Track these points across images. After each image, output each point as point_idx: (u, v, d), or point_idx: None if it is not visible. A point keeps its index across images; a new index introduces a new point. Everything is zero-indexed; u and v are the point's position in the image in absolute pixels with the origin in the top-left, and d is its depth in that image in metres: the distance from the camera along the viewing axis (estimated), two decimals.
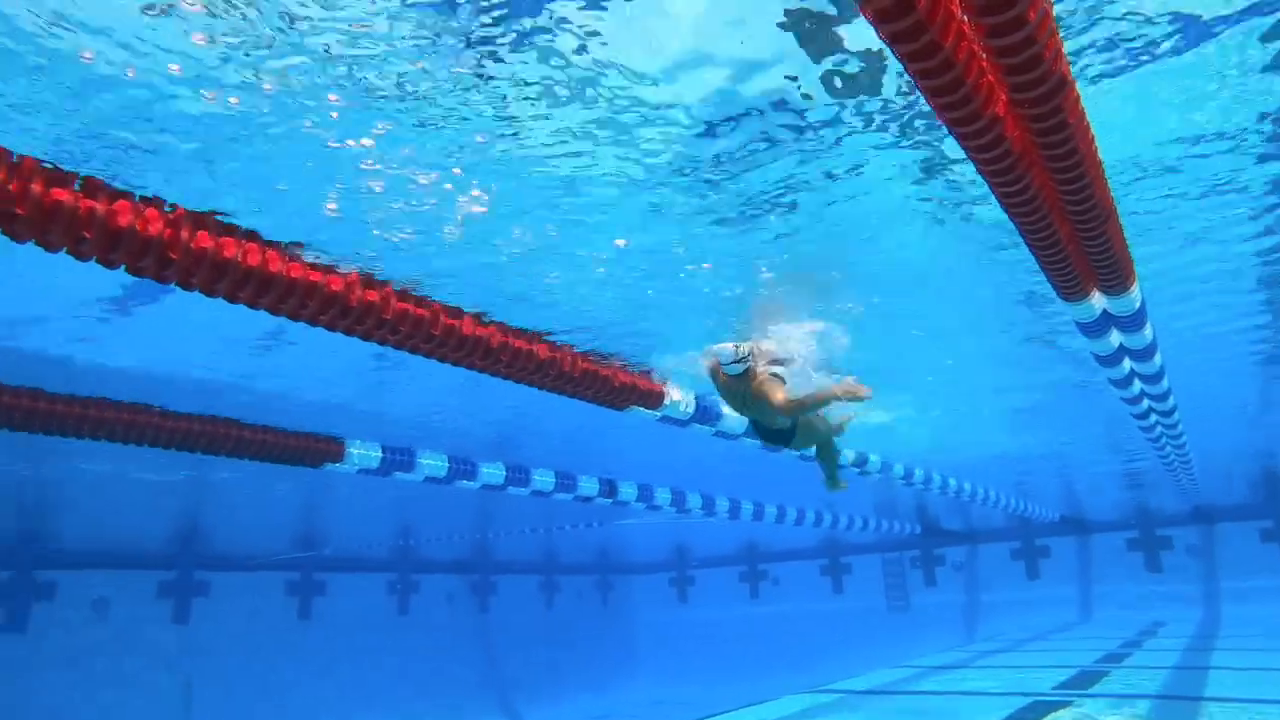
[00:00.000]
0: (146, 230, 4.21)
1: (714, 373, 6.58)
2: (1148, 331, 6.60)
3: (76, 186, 3.96)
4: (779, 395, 6.06)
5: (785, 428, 6.62)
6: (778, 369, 6.53)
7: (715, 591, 28.74)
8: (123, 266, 4.29)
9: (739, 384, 6.30)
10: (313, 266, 4.89)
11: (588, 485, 11.51)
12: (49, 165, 4.03)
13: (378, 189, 4.60)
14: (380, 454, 8.63)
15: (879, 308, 7.02)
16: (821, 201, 5.01)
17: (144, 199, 4.31)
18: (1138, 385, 8.56)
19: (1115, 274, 5.21)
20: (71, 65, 3.49)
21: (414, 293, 5.51)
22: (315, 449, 8.14)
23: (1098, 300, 5.73)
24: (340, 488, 14.03)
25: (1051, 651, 16.45)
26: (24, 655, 15.68)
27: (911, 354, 8.57)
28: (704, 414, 8.36)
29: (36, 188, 3.73)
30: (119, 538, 16.76)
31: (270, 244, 4.78)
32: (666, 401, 7.87)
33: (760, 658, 24.47)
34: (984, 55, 2.97)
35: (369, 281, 5.12)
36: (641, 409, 7.79)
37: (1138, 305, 5.87)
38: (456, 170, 4.48)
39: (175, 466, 11.13)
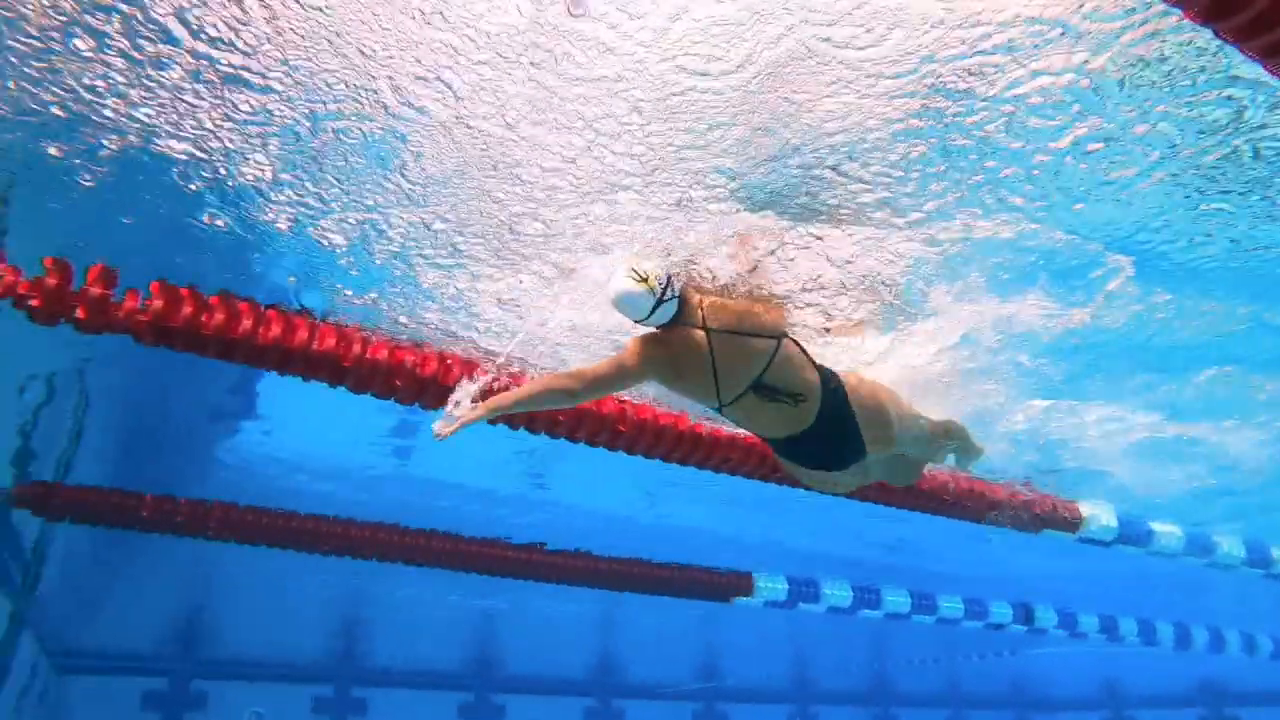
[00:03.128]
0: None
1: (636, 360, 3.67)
2: None
3: None
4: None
5: (810, 396, 3.68)
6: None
7: None
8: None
9: (683, 335, 3.62)
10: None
11: (1000, 611, 10.66)
12: None
13: None
14: (786, 586, 8.92)
15: None
16: None
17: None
18: None
19: None
20: None
21: None
22: (725, 584, 8.68)
23: None
24: (736, 617, 14.60)
25: None
26: None
27: None
28: (1130, 532, 7.50)
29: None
30: (547, 664, 18.93)
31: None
32: (1084, 520, 7.23)
33: None
34: None
35: None
36: (1055, 531, 7.24)
37: None
38: None
39: (586, 599, 12.54)
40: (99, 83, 3.23)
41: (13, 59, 3.06)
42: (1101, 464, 6.98)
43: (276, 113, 3.46)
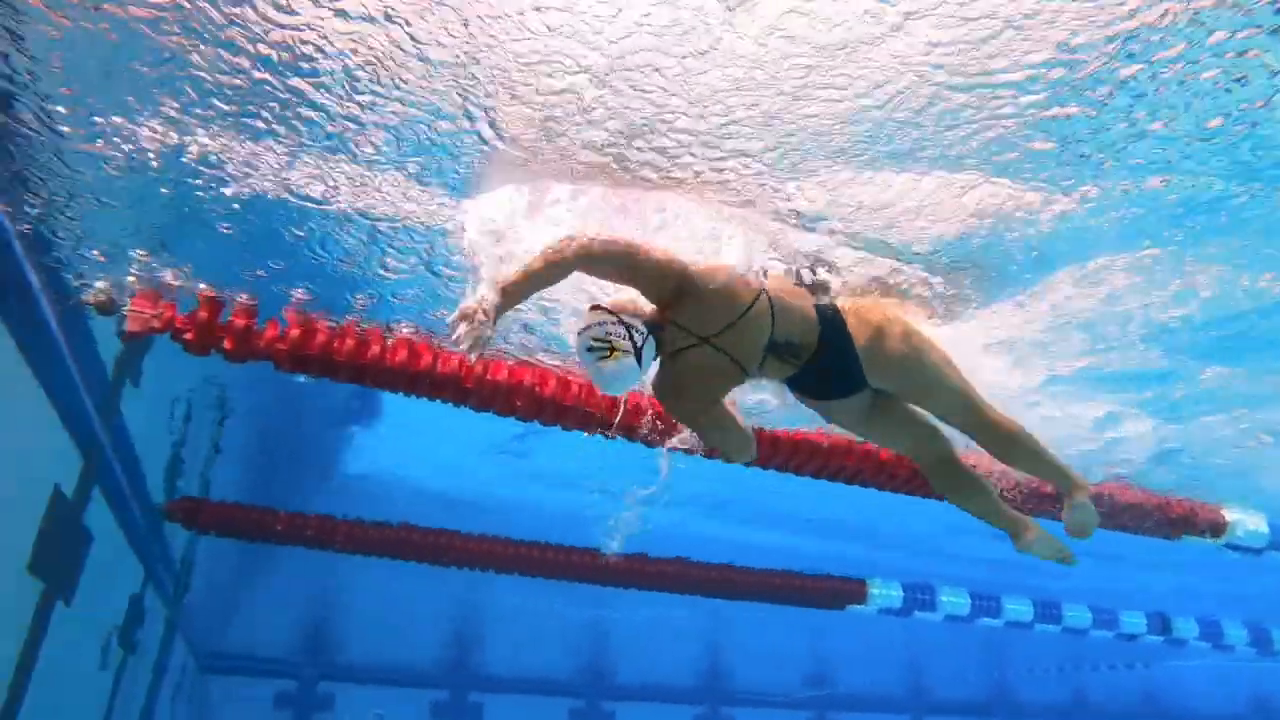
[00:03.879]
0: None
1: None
2: None
3: None
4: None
5: (813, 334, 3.49)
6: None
7: None
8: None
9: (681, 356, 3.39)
10: None
11: (1132, 621, 10.09)
12: None
13: None
14: (901, 593, 8.70)
15: None
16: None
17: None
18: None
19: None
20: None
21: None
22: (838, 591, 8.54)
23: None
24: (847, 625, 14.29)
25: None
26: None
27: None
28: None
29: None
30: (657, 671, 19.04)
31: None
32: (1229, 525, 6.78)
33: None
34: None
35: None
36: (1197, 538, 6.82)
37: None
38: None
39: (694, 607, 12.47)
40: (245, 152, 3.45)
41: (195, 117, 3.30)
42: (1251, 464, 6.51)
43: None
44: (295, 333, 4.46)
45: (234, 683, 17.00)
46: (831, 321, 3.50)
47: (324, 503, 8.07)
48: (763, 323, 3.36)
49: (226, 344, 4.32)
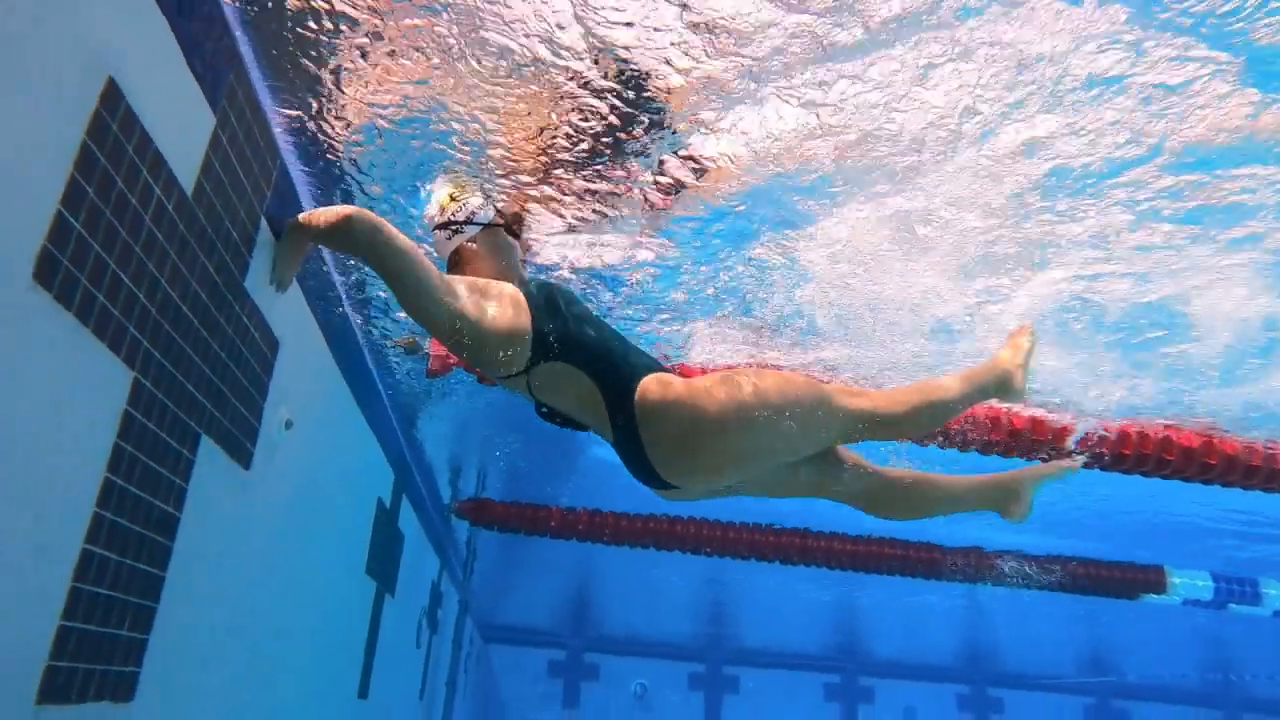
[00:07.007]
0: None
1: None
2: None
3: None
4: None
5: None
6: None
7: None
8: None
9: None
10: None
11: None
12: None
13: None
14: (1211, 583, 7.71)
15: None
16: None
17: None
18: None
19: None
20: None
21: None
22: (1132, 579, 7.75)
23: None
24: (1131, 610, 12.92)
25: None
26: None
27: None
28: None
29: None
30: (915, 650, 18.38)
31: None
32: None
33: None
34: None
35: None
36: None
37: None
38: None
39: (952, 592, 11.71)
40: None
41: None
42: None
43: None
44: None
45: (512, 651, 18.70)
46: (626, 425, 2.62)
47: (576, 491, 8.52)
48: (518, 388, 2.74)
49: None
